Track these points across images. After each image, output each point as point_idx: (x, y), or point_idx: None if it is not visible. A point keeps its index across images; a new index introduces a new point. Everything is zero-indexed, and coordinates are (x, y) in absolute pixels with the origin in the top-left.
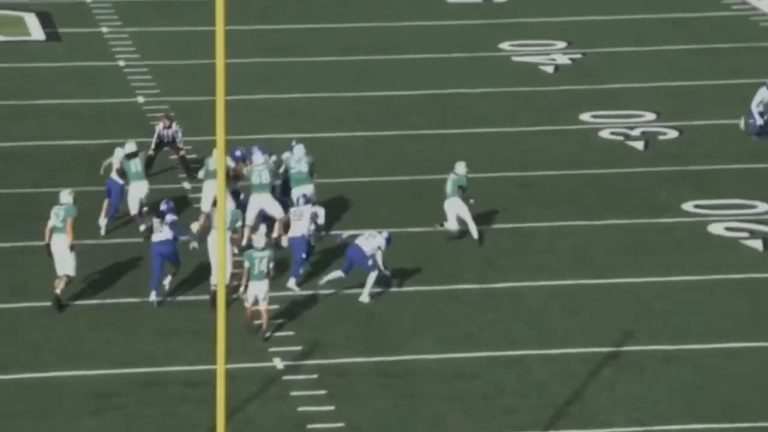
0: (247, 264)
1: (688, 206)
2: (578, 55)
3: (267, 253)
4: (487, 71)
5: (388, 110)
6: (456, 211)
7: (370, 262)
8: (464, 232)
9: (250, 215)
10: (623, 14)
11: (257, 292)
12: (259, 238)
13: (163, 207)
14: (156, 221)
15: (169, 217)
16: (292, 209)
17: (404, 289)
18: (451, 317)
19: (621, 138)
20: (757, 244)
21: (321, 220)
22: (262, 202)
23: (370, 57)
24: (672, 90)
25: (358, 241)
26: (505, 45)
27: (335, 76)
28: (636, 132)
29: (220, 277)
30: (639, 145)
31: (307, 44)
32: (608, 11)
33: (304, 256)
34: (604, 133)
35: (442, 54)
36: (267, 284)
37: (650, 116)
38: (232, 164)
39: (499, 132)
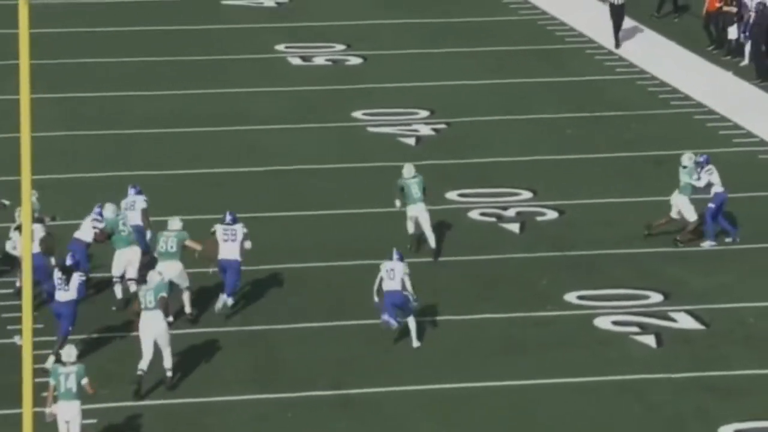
0: (52, 381)
1: (570, 297)
2: (442, 125)
3: (75, 368)
4: (338, 142)
5: (212, 189)
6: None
7: (411, 304)
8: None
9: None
10: (492, 78)
11: (66, 415)
12: (69, 351)
13: (69, 261)
14: (59, 278)
15: (77, 277)
16: (221, 228)
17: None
18: (299, 428)
19: (493, 219)
20: (650, 339)
21: (249, 244)
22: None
23: (205, 128)
24: (550, 164)
25: (388, 286)
26: (358, 113)
27: (164, 148)
28: (510, 212)
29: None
30: (514, 227)
31: (123, 113)
32: (476, 75)
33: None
34: (474, 214)
35: (287, 124)
36: (78, 405)
37: (526, 194)
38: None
39: (349, 214)
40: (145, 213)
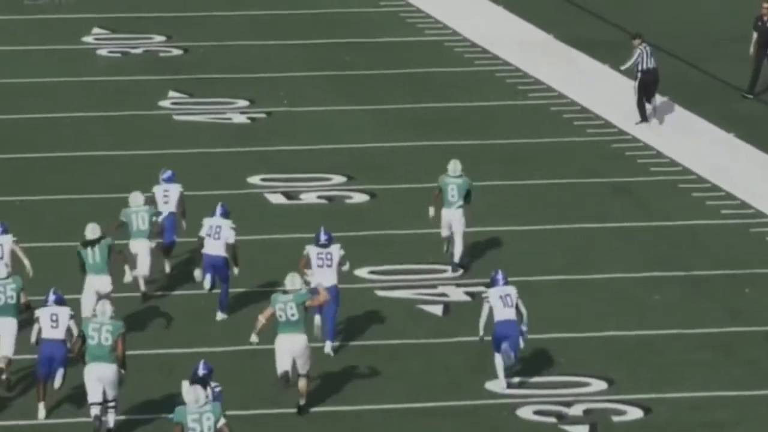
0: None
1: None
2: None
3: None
4: None
5: None
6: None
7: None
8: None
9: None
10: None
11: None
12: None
13: (52, 297)
14: (44, 315)
15: (64, 311)
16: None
17: None
18: None
19: None
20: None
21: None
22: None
23: None
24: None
25: (505, 316)
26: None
27: None
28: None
29: None
30: None
31: None
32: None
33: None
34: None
35: None
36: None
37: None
38: None
39: None
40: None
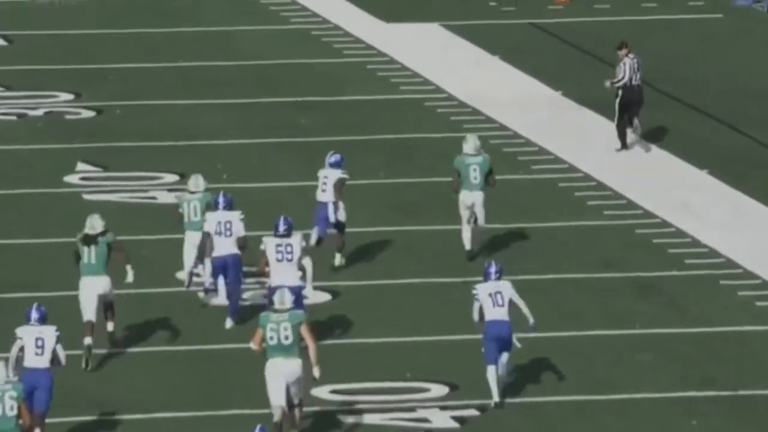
0: None
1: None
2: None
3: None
4: None
5: None
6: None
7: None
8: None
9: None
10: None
11: None
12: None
13: (35, 315)
14: (28, 337)
15: (49, 332)
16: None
17: None
18: None
19: None
20: None
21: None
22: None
23: None
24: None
25: (496, 316)
26: None
27: None
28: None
29: None
30: None
31: None
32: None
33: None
34: None
35: None
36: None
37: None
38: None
39: None
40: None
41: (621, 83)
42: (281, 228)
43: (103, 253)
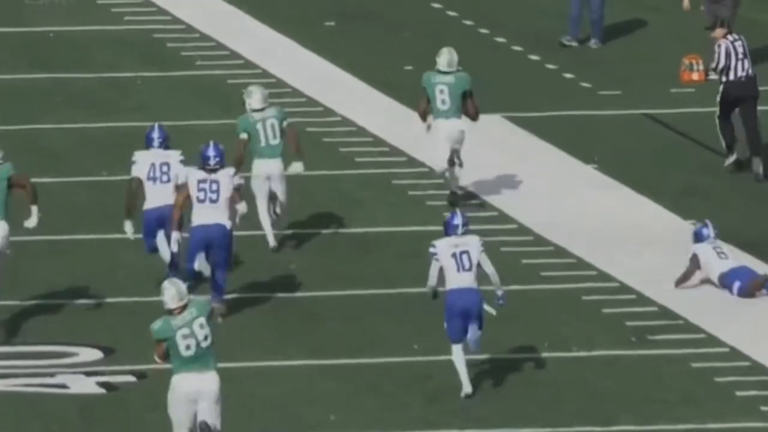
0: None
1: None
2: None
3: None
4: None
5: None
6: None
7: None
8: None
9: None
10: None
11: None
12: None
13: None
14: None
15: None
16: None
17: None
18: None
19: None
20: None
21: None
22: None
23: None
24: None
25: (461, 283)
26: None
27: None
28: None
29: None
30: None
31: None
32: None
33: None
34: None
35: None
36: None
37: None
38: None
39: None
40: None
41: (722, 74)
42: (210, 156)
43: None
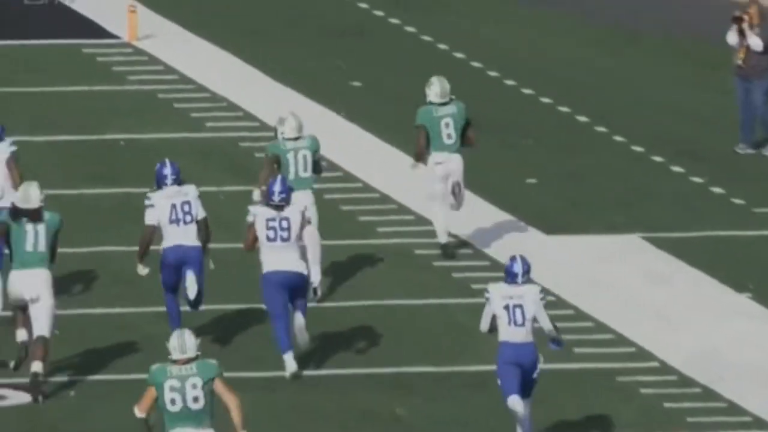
0: None
1: None
2: None
3: None
4: None
5: None
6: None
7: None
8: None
9: None
10: None
11: None
12: None
13: None
14: None
15: None
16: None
17: None
18: None
19: None
20: None
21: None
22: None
23: None
24: None
25: (512, 337)
26: None
27: None
28: None
29: None
30: None
31: None
32: None
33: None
34: None
35: None
36: None
37: None
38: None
39: None
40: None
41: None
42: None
43: (50, 236)
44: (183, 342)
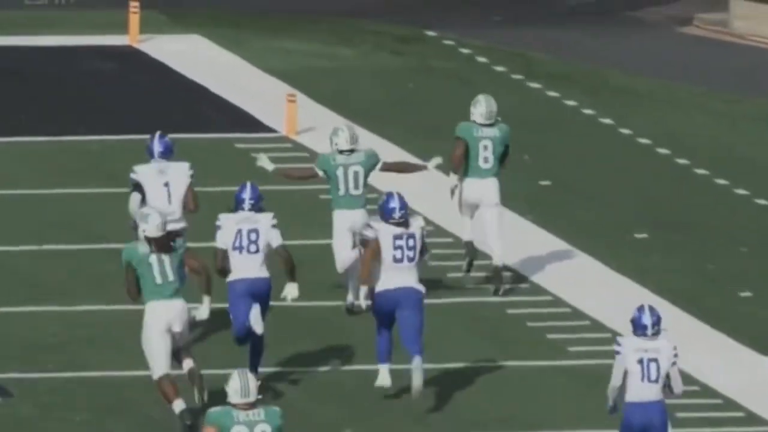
0: None
1: None
2: None
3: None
4: None
5: None
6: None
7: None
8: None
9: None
10: None
11: None
12: None
13: None
14: None
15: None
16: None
17: None
18: None
19: None
20: None
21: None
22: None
23: None
24: None
25: (644, 396)
26: None
27: None
28: None
29: None
30: None
31: None
32: None
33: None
34: None
35: None
36: None
37: None
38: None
39: None
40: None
41: None
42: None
43: (179, 265)
44: (247, 385)
